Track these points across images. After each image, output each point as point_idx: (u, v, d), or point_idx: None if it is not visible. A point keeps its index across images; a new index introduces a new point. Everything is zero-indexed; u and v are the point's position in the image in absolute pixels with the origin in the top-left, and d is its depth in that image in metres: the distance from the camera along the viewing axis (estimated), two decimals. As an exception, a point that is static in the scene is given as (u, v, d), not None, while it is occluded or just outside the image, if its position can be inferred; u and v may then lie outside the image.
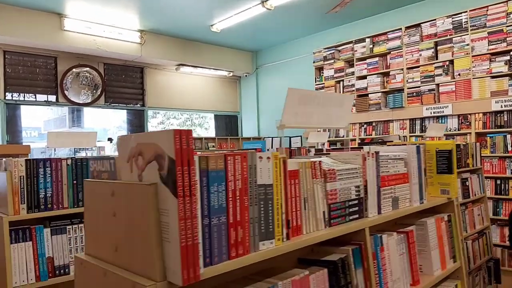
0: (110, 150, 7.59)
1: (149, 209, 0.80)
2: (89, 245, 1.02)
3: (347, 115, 1.56)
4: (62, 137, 3.18)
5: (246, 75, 9.18)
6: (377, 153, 1.46)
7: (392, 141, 2.24)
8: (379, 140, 3.24)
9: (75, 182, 1.94)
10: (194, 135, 8.18)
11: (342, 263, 1.26)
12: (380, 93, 6.21)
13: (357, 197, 1.37)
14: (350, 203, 1.34)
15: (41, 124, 7.22)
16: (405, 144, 1.78)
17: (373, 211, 1.43)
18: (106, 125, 7.88)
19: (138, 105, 7.80)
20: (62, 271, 1.89)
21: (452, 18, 5.50)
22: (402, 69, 5.98)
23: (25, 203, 1.81)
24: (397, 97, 6.01)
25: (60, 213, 1.90)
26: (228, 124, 9.39)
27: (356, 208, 1.37)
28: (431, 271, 1.72)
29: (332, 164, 1.34)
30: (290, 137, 7.96)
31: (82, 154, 6.67)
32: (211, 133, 9.24)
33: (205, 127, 9.86)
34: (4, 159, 1.90)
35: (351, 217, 1.34)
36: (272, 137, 8.27)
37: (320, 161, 1.23)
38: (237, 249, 0.94)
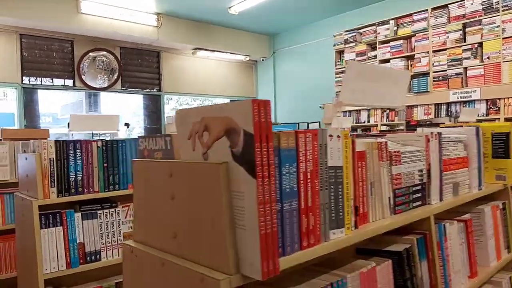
0: (124, 135, 7.53)
1: (219, 191, 0.70)
2: (139, 231, 0.93)
3: (402, 93, 1.43)
4: (84, 120, 3.10)
5: (263, 60, 9.01)
6: (439, 134, 1.33)
7: (443, 123, 2.12)
8: (427, 123, 3.10)
9: (105, 165, 1.85)
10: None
11: (407, 254, 1.14)
12: (403, 77, 6.01)
13: (420, 182, 1.25)
14: (414, 188, 1.22)
15: (56, 110, 7.16)
16: (461, 126, 1.65)
17: (436, 197, 1.31)
18: (122, 110, 7.81)
19: (155, 90, 7.71)
20: (93, 257, 1.82)
21: (483, -2, 5.26)
22: (428, 52, 5.76)
23: (55, 186, 1.73)
24: (422, 81, 5.81)
25: (91, 197, 1.82)
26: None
27: (419, 194, 1.25)
28: (487, 262, 1.60)
29: (395, 145, 1.22)
30: (308, 123, 7.82)
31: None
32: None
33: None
34: (31, 141, 1.82)
35: (414, 204, 1.22)
36: (290, 123, 8.13)
37: (386, 142, 1.11)
38: (308, 238, 0.83)
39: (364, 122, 6.51)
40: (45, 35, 6.36)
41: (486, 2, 5.23)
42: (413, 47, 5.96)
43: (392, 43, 6.18)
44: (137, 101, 7.82)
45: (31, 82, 6.31)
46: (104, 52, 6.91)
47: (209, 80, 8.50)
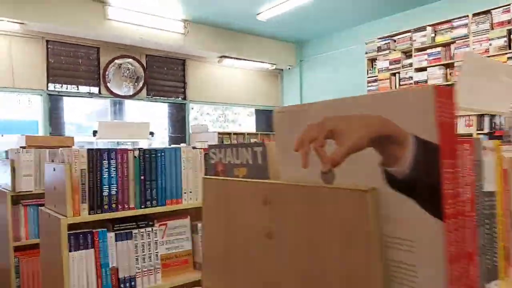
0: (146, 145, 7.34)
1: (365, 236, 0.44)
2: (212, 277, 0.68)
3: (510, 94, 1.16)
4: (112, 128, 2.90)
5: (289, 68, 8.78)
6: None
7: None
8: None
9: (142, 177, 1.62)
10: (231, 129, 7.87)
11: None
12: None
13: (553, 209, 0.97)
14: (549, 217, 0.94)
15: (79, 118, 7.05)
16: None
17: None
18: (146, 119, 7.66)
19: (180, 98, 7.55)
20: (127, 284, 1.58)
21: (531, 2, 4.92)
22: (470, 59, 5.42)
23: (86, 202, 1.50)
24: (463, 91, 5.46)
25: (126, 215, 1.59)
26: (270, 119, 9.03)
27: (554, 225, 0.97)
28: None
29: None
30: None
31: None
32: (246, 129, 8.78)
33: (238, 123, 9.47)
34: (60, 149, 1.61)
35: (549, 238, 0.94)
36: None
37: (526, 157, 0.84)
38: (468, 300, 0.57)
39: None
40: (72, 41, 6.29)
41: (534, 7, 4.89)
42: (452, 54, 5.64)
43: (429, 51, 5.86)
44: (162, 109, 7.67)
45: (56, 89, 6.23)
46: (130, 60, 6.80)
47: (234, 88, 8.32)
